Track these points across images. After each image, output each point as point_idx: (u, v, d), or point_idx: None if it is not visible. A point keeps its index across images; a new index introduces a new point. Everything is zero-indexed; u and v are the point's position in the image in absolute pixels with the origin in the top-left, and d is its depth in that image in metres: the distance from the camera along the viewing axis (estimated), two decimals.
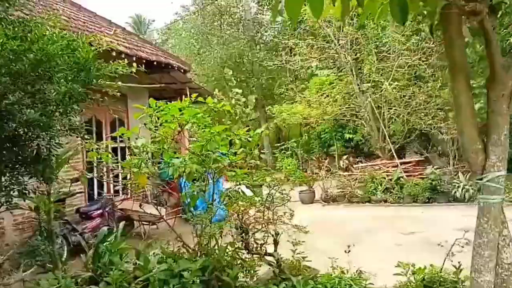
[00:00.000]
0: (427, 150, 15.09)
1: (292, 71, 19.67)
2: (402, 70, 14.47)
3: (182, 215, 6.96)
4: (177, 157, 4.76)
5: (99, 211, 8.43)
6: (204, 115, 4.78)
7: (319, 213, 12.22)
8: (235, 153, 4.95)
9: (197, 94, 4.95)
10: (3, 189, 4.59)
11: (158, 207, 7.81)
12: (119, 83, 5.50)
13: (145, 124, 4.72)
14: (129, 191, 9.93)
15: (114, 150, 10.36)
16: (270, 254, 4.92)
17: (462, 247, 4.41)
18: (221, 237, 4.87)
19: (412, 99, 14.43)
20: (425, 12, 3.68)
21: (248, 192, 5.21)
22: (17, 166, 4.73)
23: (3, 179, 4.65)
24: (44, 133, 4.66)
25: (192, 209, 5.02)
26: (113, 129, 9.91)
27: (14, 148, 4.65)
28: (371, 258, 6.51)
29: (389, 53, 14.73)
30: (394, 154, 14.46)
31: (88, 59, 4.61)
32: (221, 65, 22.10)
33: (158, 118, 4.70)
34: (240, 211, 4.88)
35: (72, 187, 7.81)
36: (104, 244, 5.04)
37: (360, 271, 4.82)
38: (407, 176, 13.41)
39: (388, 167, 14.11)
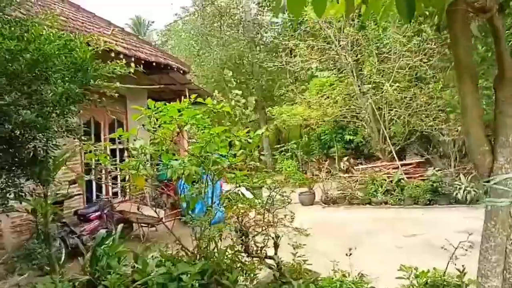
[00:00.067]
0: (427, 151, 15.02)
1: (292, 72, 19.61)
2: (403, 71, 14.42)
3: (181, 217, 6.90)
4: (176, 159, 4.70)
5: (97, 213, 8.37)
6: (204, 116, 4.73)
7: (319, 215, 12.15)
8: (235, 155, 4.89)
9: (196, 95, 4.89)
10: None
11: (157, 209, 7.76)
12: (117, 83, 5.43)
13: (143, 125, 4.66)
14: (127, 193, 9.85)
15: (113, 151, 10.29)
16: (270, 257, 4.86)
17: (466, 250, 4.32)
18: (221, 240, 4.80)
19: (413, 100, 14.37)
20: (427, 13, 3.61)
21: (248, 194, 5.15)
22: (13, 168, 4.66)
23: None
24: (40, 134, 4.59)
25: (190, 211, 4.96)
26: (112, 131, 9.85)
27: (10, 150, 4.58)
28: (372, 261, 6.46)
29: (390, 55, 14.68)
30: (395, 155, 14.39)
31: (86, 59, 4.55)
32: (221, 66, 22.03)
33: (157, 120, 4.65)
34: (240, 213, 4.82)
35: (70, 189, 7.76)
36: (102, 247, 4.97)
37: (362, 274, 4.76)
38: (407, 178, 13.34)
39: (388, 169, 14.04)
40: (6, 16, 4.61)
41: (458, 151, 13.37)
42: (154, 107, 4.58)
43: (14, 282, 5.03)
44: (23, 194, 4.78)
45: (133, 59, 8.52)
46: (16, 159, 4.66)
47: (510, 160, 2.74)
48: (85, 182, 9.09)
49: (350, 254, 4.86)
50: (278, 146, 16.45)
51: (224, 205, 5.01)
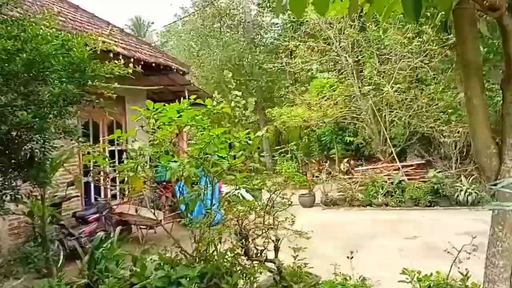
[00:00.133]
0: (428, 153, 14.96)
1: (292, 73, 19.56)
2: (404, 72, 14.37)
3: (180, 219, 6.84)
4: (175, 161, 4.64)
5: (95, 215, 8.30)
6: (203, 118, 4.68)
7: (320, 217, 12.08)
8: (235, 157, 4.84)
9: (195, 96, 4.84)
10: None
11: (156, 211, 7.69)
12: (116, 84, 5.37)
13: (142, 126, 4.61)
14: (126, 195, 9.79)
15: (112, 153, 10.23)
16: (270, 261, 4.81)
17: (469, 253, 4.26)
18: (220, 243, 4.74)
19: (414, 102, 14.32)
20: (429, 14, 3.55)
21: (248, 197, 5.10)
22: (10, 170, 4.59)
23: None
24: (37, 136, 4.52)
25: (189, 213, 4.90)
26: (111, 132, 9.79)
27: (7, 152, 4.51)
28: (373, 264, 6.41)
29: (391, 56, 14.63)
30: (395, 157, 14.33)
31: (83, 59, 4.48)
32: (221, 67, 21.96)
33: (156, 121, 4.60)
34: (240, 216, 4.75)
35: (68, 191, 7.70)
36: (100, 250, 4.92)
37: (364, 277, 4.70)
38: (408, 179, 13.28)
39: (389, 171, 13.98)
40: (2, 16, 4.54)
41: (459, 152, 13.32)
42: (153, 108, 4.53)
43: (10, 286, 4.96)
44: (19, 196, 4.71)
45: (132, 60, 8.48)
46: (13, 161, 4.59)
47: None
48: (84, 184, 9.03)
49: (352, 257, 4.80)
50: (278, 147, 16.43)
51: (224, 207, 4.94)
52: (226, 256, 4.63)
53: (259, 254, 4.77)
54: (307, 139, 21.28)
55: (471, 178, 12.08)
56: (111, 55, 7.55)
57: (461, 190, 11.63)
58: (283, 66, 17.45)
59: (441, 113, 13.73)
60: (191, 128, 4.84)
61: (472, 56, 2.63)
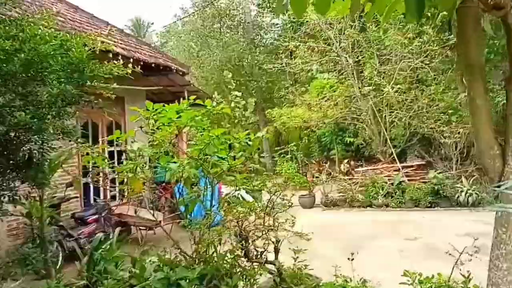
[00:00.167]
0: (429, 154, 14.93)
1: (292, 74, 19.52)
2: (404, 73, 14.34)
3: (179, 221, 6.81)
4: (174, 162, 4.61)
5: (95, 216, 8.26)
6: (203, 118, 4.64)
7: (320, 217, 12.06)
8: (234, 157, 4.80)
9: (195, 96, 4.81)
10: None
11: (155, 212, 7.65)
12: (114, 84, 5.33)
13: (141, 127, 4.58)
14: (125, 195, 9.76)
15: (111, 153, 10.20)
16: (270, 262, 4.78)
17: (471, 255, 4.22)
18: (220, 244, 4.71)
19: (414, 102, 14.29)
20: (429, 14, 3.52)
21: (248, 198, 5.06)
22: (8, 171, 4.55)
23: None
24: (36, 136, 4.48)
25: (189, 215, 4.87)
26: (110, 133, 9.75)
27: (5, 152, 4.48)
28: (374, 265, 6.39)
29: (391, 56, 14.60)
30: (396, 158, 14.29)
31: (82, 60, 4.44)
32: (221, 68, 21.95)
33: (155, 121, 4.57)
34: (240, 217, 4.72)
35: (67, 191, 7.67)
36: (99, 251, 4.89)
37: (364, 279, 4.67)
38: (408, 180, 13.25)
39: (389, 171, 13.95)
40: (1, 16, 4.51)
41: (459, 153, 13.29)
42: (153, 108, 4.50)
43: None
44: (17, 197, 4.68)
45: (131, 60, 8.44)
46: (11, 162, 4.56)
47: None
48: (83, 185, 9.00)
49: (352, 259, 4.77)
50: (278, 148, 16.39)
51: (224, 208, 4.91)
52: (226, 258, 4.59)
53: (259, 256, 4.74)
54: (307, 140, 21.26)
55: (471, 179, 12.07)
56: (111, 55, 7.51)
57: (461, 191, 11.61)
58: (283, 66, 17.41)
59: (442, 114, 13.71)
60: (191, 129, 4.81)
61: (475, 56, 2.60)
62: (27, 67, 4.14)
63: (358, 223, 10.83)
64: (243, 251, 4.68)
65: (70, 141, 4.91)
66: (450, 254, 4.39)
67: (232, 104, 5.55)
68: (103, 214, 8.52)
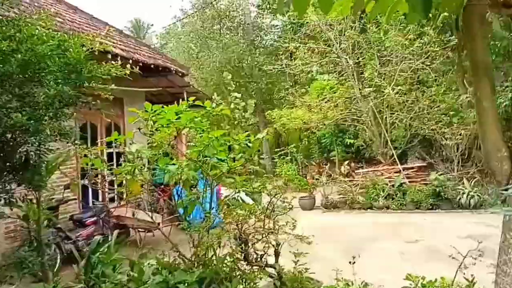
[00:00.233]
0: (430, 155, 14.87)
1: (292, 75, 19.49)
2: (405, 74, 14.30)
3: (178, 223, 6.76)
4: (173, 163, 4.56)
5: (93, 219, 8.21)
6: (202, 120, 4.59)
7: (320, 219, 11.99)
8: (234, 159, 4.75)
9: (194, 97, 4.75)
10: None
11: (154, 214, 7.59)
12: (112, 85, 5.28)
13: (139, 129, 4.53)
14: (124, 197, 9.72)
15: (110, 155, 10.14)
16: (271, 266, 4.72)
17: (475, 258, 4.15)
18: (220, 247, 4.64)
19: (415, 104, 14.25)
20: (430, 15, 3.45)
21: (248, 200, 5.01)
22: (4, 173, 4.49)
23: None
24: (33, 138, 4.42)
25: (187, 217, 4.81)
26: (109, 134, 9.70)
27: (1, 154, 4.42)
28: (375, 268, 6.32)
29: (392, 57, 14.55)
30: (396, 159, 14.23)
31: (80, 60, 4.39)
32: (220, 69, 21.92)
33: (154, 123, 4.51)
34: (239, 220, 4.66)
35: (65, 193, 7.62)
36: (97, 254, 4.83)
37: (366, 283, 4.60)
38: (409, 182, 13.17)
39: (390, 173, 13.87)
40: None
41: (461, 155, 13.23)
42: (151, 109, 4.45)
43: None
44: (14, 200, 4.62)
45: (130, 61, 8.39)
46: (8, 164, 4.49)
47: None
48: (82, 187, 8.94)
49: (354, 262, 4.71)
50: (278, 149, 16.35)
51: (223, 211, 4.85)
52: (226, 261, 4.53)
53: (259, 259, 4.68)
54: (307, 141, 21.23)
55: (473, 181, 12.02)
56: (109, 56, 7.47)
57: (463, 193, 11.55)
58: (283, 68, 17.39)
59: (443, 115, 13.66)
60: (190, 130, 4.76)
61: (482, 56, 2.53)
62: (24, 68, 4.10)
63: (358, 225, 10.76)
64: (243, 254, 4.62)
65: (67, 142, 4.85)
66: (453, 258, 4.33)
67: (232, 106, 5.48)
68: (101, 216, 8.47)
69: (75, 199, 8.68)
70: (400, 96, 14.31)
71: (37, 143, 4.50)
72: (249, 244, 4.65)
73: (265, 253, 4.70)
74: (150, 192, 5.53)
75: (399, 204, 12.40)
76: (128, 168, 4.34)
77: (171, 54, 23.10)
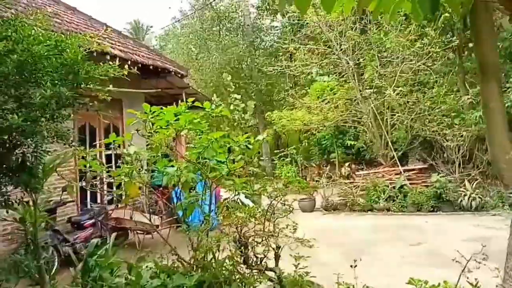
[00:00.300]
0: (431, 157, 14.81)
1: (292, 77, 19.47)
2: (406, 75, 14.27)
3: (177, 225, 6.70)
4: (172, 165, 4.51)
5: (91, 221, 8.15)
6: (201, 121, 4.54)
7: (320, 222, 11.95)
8: (234, 161, 4.70)
9: (193, 99, 4.71)
10: None
11: (153, 217, 7.53)
12: (110, 86, 5.22)
13: (137, 130, 4.48)
14: (122, 200, 9.66)
15: (109, 157, 10.08)
16: (271, 269, 4.65)
17: (479, 262, 4.08)
18: (219, 251, 4.59)
19: (416, 105, 14.21)
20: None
21: (248, 202, 4.95)
22: (0, 175, 4.42)
23: None
24: (29, 140, 4.35)
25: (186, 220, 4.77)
26: (108, 136, 9.64)
27: None
28: (377, 271, 6.28)
29: (392, 59, 14.52)
30: (397, 161, 14.18)
31: (77, 61, 4.32)
32: (220, 70, 21.89)
33: (153, 124, 4.47)
34: (239, 223, 4.60)
35: (63, 195, 7.56)
36: (95, 257, 4.77)
37: (367, 287, 4.54)
38: (410, 184, 13.11)
39: (390, 175, 13.82)
40: None
41: (462, 156, 13.17)
42: (150, 111, 4.41)
43: None
44: (10, 202, 4.55)
45: (129, 62, 8.35)
46: (4, 166, 4.42)
47: None
48: (80, 189, 8.88)
49: (355, 266, 4.64)
50: (278, 151, 16.29)
51: (222, 214, 4.79)
52: (225, 265, 4.48)
53: (259, 263, 4.62)
54: (307, 143, 21.16)
55: (474, 183, 11.97)
56: (108, 57, 7.42)
57: (464, 195, 11.48)
58: (283, 69, 17.38)
59: (444, 117, 13.61)
60: (189, 132, 4.72)
61: (490, 56, 2.48)
62: (20, 69, 4.03)
63: (359, 228, 10.71)
64: (243, 258, 4.57)
65: (65, 144, 4.78)
66: (457, 261, 4.25)
67: (231, 107, 5.45)
68: (99, 219, 8.41)
69: (73, 201, 8.61)
70: (401, 98, 14.29)
71: (33, 145, 4.43)
72: (249, 247, 4.59)
73: (265, 257, 4.65)
74: (149, 194, 5.48)
75: (400, 206, 12.34)
76: (126, 170, 4.29)
77: (170, 56, 23.08)
